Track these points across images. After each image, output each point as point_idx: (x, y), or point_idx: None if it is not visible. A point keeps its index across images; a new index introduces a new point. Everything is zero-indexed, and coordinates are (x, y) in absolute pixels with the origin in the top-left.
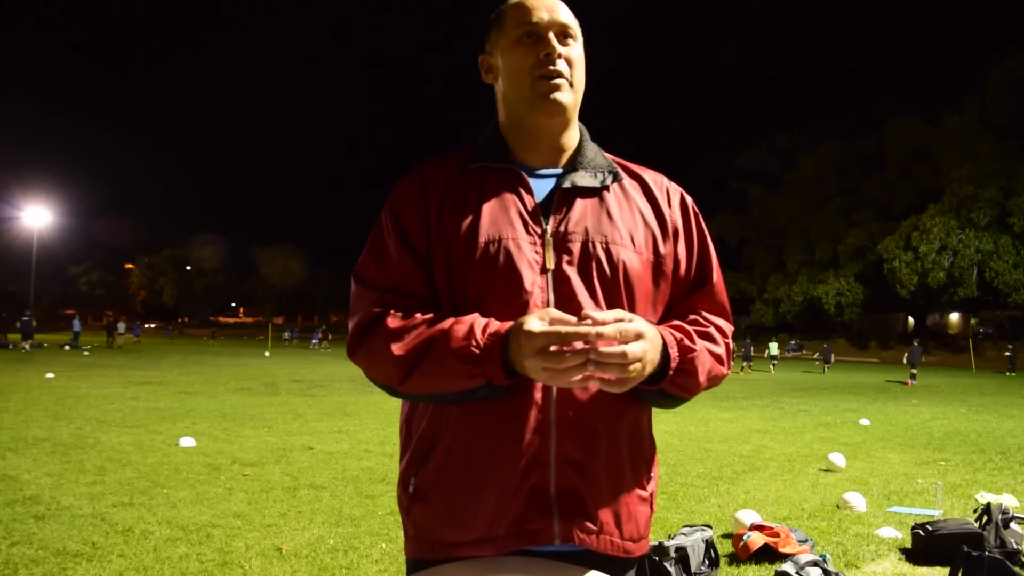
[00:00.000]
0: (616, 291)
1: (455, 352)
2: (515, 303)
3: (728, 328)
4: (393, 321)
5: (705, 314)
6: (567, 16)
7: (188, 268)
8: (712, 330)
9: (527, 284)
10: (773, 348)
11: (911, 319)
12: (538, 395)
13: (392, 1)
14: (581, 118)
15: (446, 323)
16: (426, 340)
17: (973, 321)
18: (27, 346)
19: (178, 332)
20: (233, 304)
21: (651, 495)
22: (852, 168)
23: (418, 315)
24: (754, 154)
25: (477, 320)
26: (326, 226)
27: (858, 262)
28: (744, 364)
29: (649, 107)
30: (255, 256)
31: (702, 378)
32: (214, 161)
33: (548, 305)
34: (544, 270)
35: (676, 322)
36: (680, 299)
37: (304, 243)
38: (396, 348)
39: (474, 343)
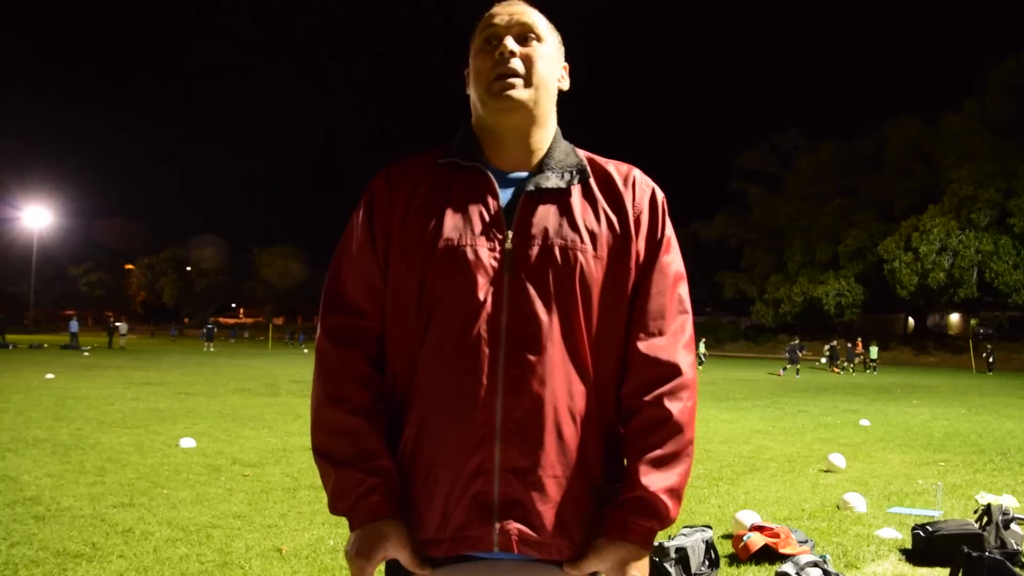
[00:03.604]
0: (571, 295)
1: (329, 494)
2: (466, 310)
3: (687, 367)
4: (330, 410)
5: (652, 397)
6: (529, 17)
7: (188, 269)
8: (663, 428)
9: (480, 293)
10: (701, 347)
11: (911, 320)
12: (483, 405)
13: (394, 3)
14: (582, 119)
15: (339, 473)
16: (326, 462)
17: (973, 322)
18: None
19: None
20: (233, 304)
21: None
22: (852, 168)
23: (342, 414)
24: (754, 154)
25: (359, 486)
26: (326, 227)
27: (858, 263)
28: (845, 364)
29: (650, 107)
30: (255, 257)
31: (674, 511)
32: (214, 161)
33: (501, 313)
34: (500, 277)
35: (625, 496)
36: (638, 311)
37: (304, 244)
38: (316, 435)
39: (339, 506)
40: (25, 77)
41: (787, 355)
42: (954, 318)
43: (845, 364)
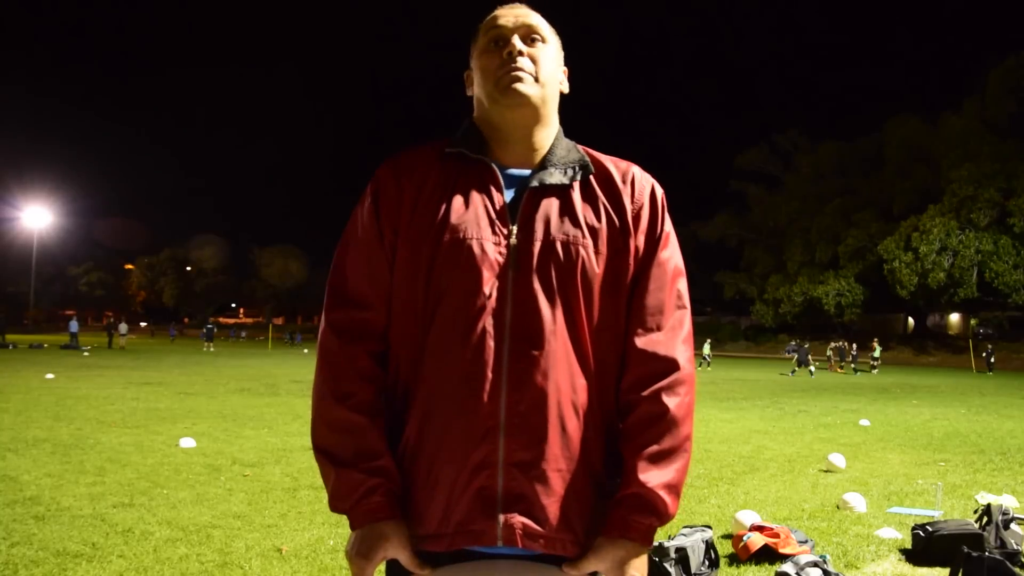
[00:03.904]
0: (573, 290)
1: (330, 492)
2: (471, 304)
3: (685, 362)
4: (332, 407)
5: (650, 392)
6: (534, 19)
7: (188, 268)
8: (661, 423)
9: (486, 287)
10: (706, 348)
11: (911, 320)
12: (487, 398)
13: (392, 5)
14: (580, 120)
15: (340, 473)
16: (327, 460)
17: (973, 322)
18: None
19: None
20: (233, 304)
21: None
22: (852, 168)
23: (345, 411)
24: (754, 154)
25: (361, 486)
26: (326, 227)
27: (858, 262)
28: (852, 364)
29: (649, 107)
30: (255, 257)
31: (673, 508)
32: (215, 161)
33: (506, 308)
34: (505, 272)
35: (623, 493)
36: (636, 303)
37: (304, 244)
38: (317, 432)
39: (340, 506)
40: (25, 75)
41: (795, 355)
42: (954, 318)
43: (852, 364)
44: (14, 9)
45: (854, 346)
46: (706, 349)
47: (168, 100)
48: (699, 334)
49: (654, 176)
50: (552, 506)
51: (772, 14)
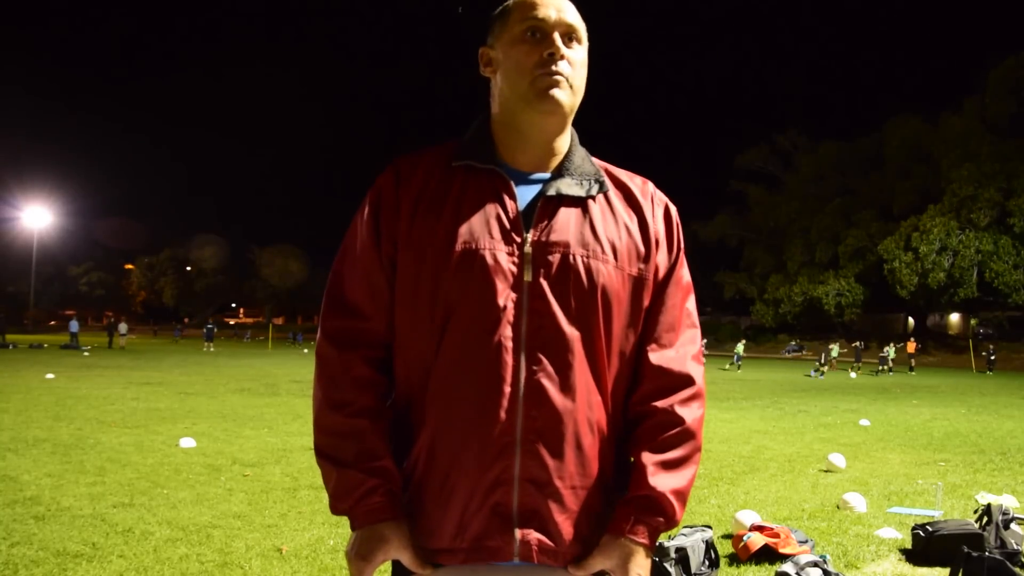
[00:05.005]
0: (592, 306)
1: (331, 493)
2: (487, 316)
3: (698, 378)
4: (330, 414)
5: (665, 403)
6: (574, 17)
7: (188, 268)
8: (675, 431)
9: (500, 298)
10: (740, 348)
11: (911, 320)
12: (503, 414)
13: (392, 5)
14: (580, 118)
15: (341, 473)
16: (328, 463)
17: (973, 322)
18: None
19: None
20: (233, 304)
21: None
22: (852, 168)
23: (344, 417)
24: (754, 154)
25: (360, 486)
26: (326, 227)
27: (858, 262)
28: (859, 363)
29: (649, 106)
30: (255, 256)
31: (679, 513)
32: (215, 161)
33: (521, 320)
34: (520, 283)
35: (633, 494)
36: (649, 326)
37: (304, 243)
38: (318, 438)
39: (340, 506)
40: (24, 75)
41: (820, 356)
42: (954, 318)
43: (880, 367)
44: (14, 9)
45: (884, 348)
46: (740, 349)
47: (168, 100)
48: (707, 333)
49: (655, 176)
50: (565, 523)
51: (772, 14)
